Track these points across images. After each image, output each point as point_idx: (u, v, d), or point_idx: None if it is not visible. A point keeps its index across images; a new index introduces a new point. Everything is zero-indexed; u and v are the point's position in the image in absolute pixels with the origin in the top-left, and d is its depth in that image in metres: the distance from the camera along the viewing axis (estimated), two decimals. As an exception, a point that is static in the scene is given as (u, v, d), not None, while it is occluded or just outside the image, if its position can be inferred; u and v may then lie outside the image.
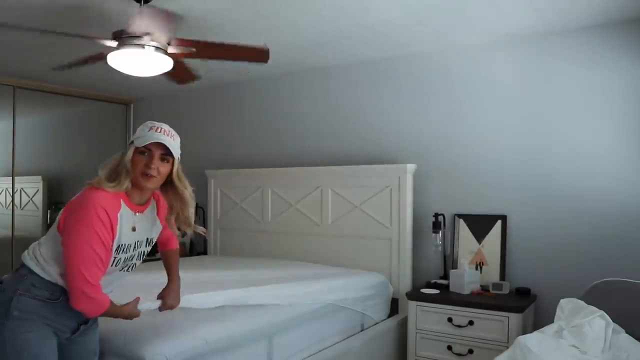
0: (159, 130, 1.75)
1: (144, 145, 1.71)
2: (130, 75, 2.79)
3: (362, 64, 3.72)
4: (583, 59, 2.94)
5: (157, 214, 1.89)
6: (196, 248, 4.54)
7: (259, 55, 2.70)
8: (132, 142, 1.75)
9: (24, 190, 4.93)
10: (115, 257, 1.69)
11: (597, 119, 2.90)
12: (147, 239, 1.85)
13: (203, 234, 1.96)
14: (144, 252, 1.84)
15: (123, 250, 1.72)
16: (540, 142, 3.06)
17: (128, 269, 1.81)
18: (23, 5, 2.63)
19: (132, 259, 1.79)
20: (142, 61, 2.47)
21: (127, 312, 1.77)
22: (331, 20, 2.87)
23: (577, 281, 2.76)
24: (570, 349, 2.05)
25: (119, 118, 5.22)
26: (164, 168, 1.76)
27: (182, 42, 2.54)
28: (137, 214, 1.78)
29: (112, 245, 1.66)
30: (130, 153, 1.72)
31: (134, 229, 1.75)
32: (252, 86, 4.32)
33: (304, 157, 4.00)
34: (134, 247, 1.77)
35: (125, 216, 1.71)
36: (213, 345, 2.06)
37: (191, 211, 1.85)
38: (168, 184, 1.80)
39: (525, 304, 2.81)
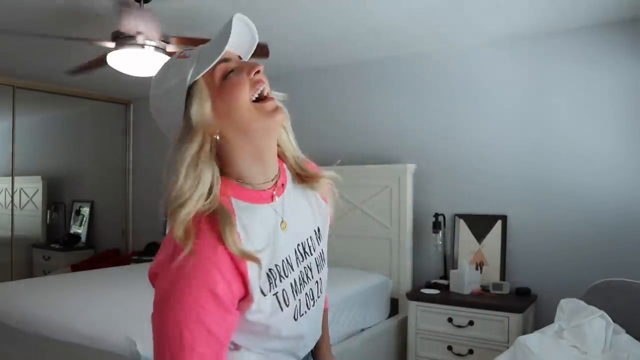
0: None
1: (214, 62, 0.86)
2: (130, 75, 2.79)
3: (363, 64, 3.71)
4: (583, 59, 2.93)
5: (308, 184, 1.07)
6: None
7: (260, 51, 2.74)
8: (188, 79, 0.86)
9: (23, 190, 4.93)
10: (276, 295, 0.89)
11: (597, 119, 2.90)
12: (316, 230, 1.05)
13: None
14: (321, 255, 1.03)
15: (280, 273, 0.91)
16: (540, 142, 3.05)
17: (309, 305, 0.97)
18: (21, 6, 2.63)
19: (305, 281, 0.96)
20: (141, 61, 2.47)
21: None
22: (331, 20, 2.87)
23: (577, 281, 2.76)
24: (570, 349, 2.05)
25: (119, 118, 5.22)
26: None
27: (181, 41, 2.54)
28: (275, 197, 0.95)
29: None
30: (204, 100, 0.87)
31: (283, 226, 0.94)
32: (252, 86, 4.31)
33: (303, 157, 3.99)
34: (301, 255, 0.97)
35: (261, 219, 0.92)
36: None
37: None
38: None
39: (525, 304, 2.81)
